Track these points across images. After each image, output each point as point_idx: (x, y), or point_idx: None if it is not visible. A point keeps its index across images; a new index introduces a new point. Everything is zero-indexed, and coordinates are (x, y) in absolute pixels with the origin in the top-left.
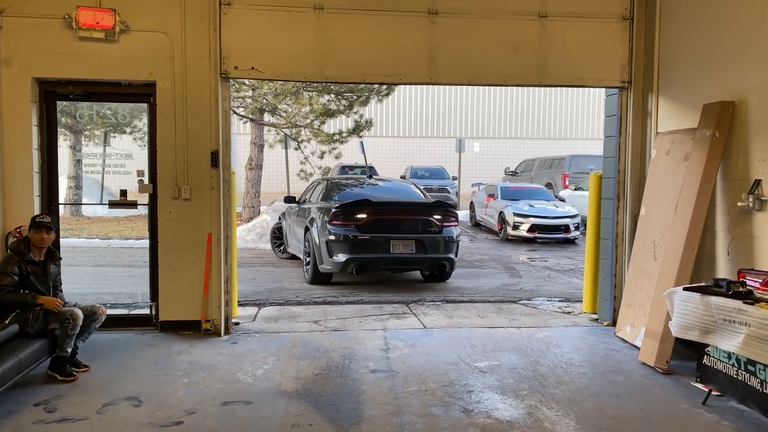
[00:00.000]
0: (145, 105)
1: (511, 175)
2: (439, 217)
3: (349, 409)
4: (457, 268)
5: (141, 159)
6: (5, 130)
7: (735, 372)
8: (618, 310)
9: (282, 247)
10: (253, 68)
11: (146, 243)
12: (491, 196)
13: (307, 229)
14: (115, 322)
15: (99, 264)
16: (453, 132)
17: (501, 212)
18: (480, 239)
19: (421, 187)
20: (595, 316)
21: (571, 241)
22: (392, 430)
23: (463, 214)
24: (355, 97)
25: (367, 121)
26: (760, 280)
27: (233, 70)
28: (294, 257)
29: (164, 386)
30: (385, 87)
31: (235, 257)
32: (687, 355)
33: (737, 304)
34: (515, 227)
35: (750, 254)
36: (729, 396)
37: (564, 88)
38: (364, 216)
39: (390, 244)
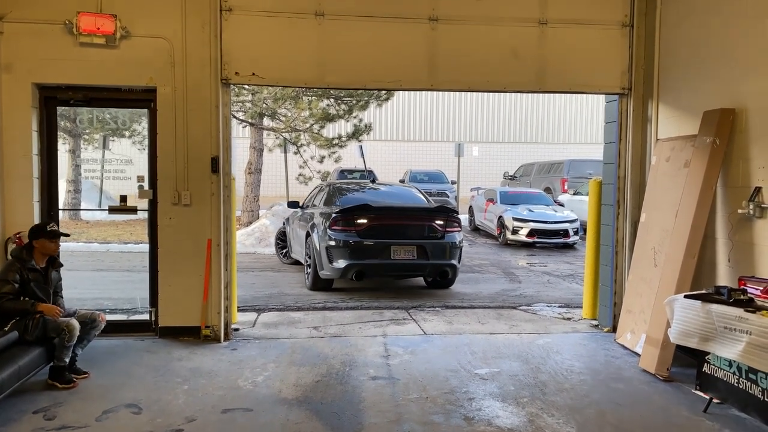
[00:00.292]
0: (145, 111)
1: (510, 179)
2: (441, 222)
3: (350, 416)
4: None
5: (141, 164)
6: (5, 136)
7: (736, 380)
8: (618, 316)
9: (286, 253)
10: (253, 74)
11: (145, 247)
12: (490, 200)
13: (308, 235)
14: (115, 328)
15: (98, 268)
16: (452, 136)
17: (500, 217)
18: (479, 244)
19: (425, 192)
20: (595, 323)
21: (570, 246)
22: None
23: (462, 218)
24: (354, 102)
25: (366, 126)
26: (761, 288)
27: (234, 76)
28: (297, 262)
29: (164, 393)
30: (384, 92)
31: (234, 263)
32: (687, 362)
33: (738, 312)
34: (514, 232)
35: (750, 261)
36: (730, 404)
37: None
38: (365, 221)
39: (391, 250)
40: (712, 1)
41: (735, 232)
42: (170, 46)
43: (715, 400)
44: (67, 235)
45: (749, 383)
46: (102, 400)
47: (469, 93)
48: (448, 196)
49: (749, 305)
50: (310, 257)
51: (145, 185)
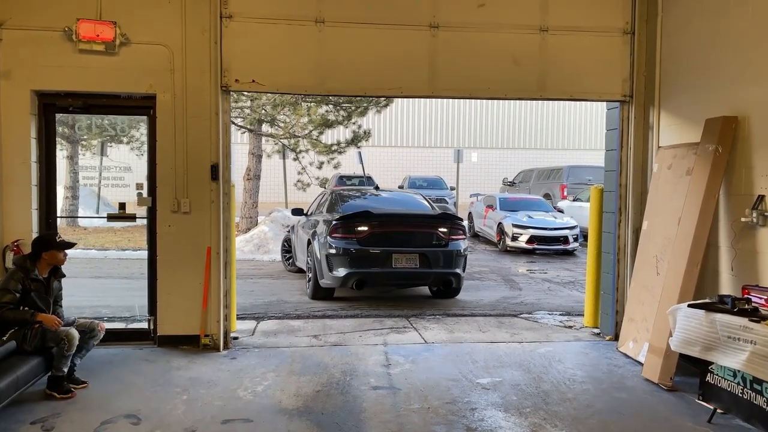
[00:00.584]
0: (144, 117)
1: (509, 185)
2: (444, 229)
3: (351, 427)
4: None
5: (140, 172)
6: (4, 143)
7: (740, 390)
8: (620, 324)
9: (291, 260)
10: (253, 81)
11: (143, 254)
12: (490, 206)
13: (309, 242)
14: (113, 337)
15: (96, 276)
16: (450, 142)
17: (500, 223)
18: (479, 250)
19: (430, 200)
20: (596, 331)
21: (570, 253)
22: None
23: None
24: (353, 108)
25: (365, 132)
26: (766, 297)
27: (234, 83)
28: (301, 270)
29: (163, 403)
30: (383, 98)
31: (234, 271)
32: (690, 371)
33: (743, 321)
34: (514, 238)
35: (754, 270)
36: (734, 414)
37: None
38: (365, 228)
39: (392, 258)
40: (713, 8)
41: (738, 241)
42: (170, 53)
43: (719, 411)
44: (75, 244)
45: (754, 393)
46: (100, 410)
47: (468, 100)
48: (447, 203)
49: (754, 315)
50: (311, 265)
51: (144, 192)
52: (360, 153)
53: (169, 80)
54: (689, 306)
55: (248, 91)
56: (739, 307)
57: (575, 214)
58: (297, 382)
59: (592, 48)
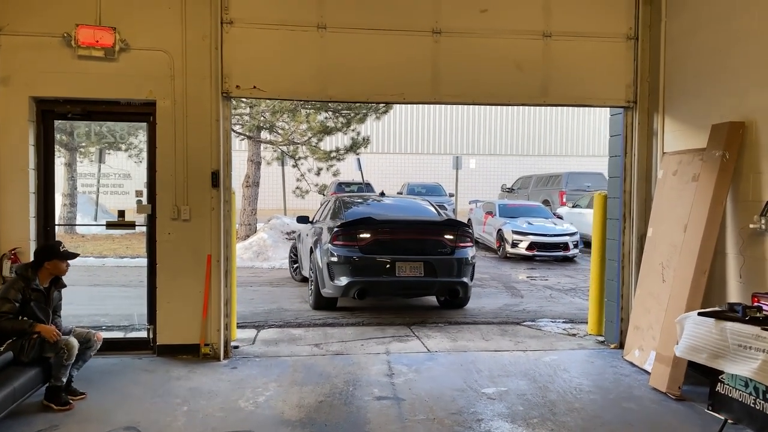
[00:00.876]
0: (144, 124)
1: (508, 191)
2: (450, 236)
3: None
4: None
5: (139, 179)
6: (1, 150)
7: (753, 401)
8: (625, 332)
9: (297, 269)
10: (255, 87)
11: (142, 261)
12: (489, 213)
13: (311, 251)
14: (112, 346)
15: (94, 283)
16: (449, 149)
17: (499, 230)
18: (478, 257)
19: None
20: (601, 339)
21: (570, 259)
22: None
23: None
24: (352, 115)
25: (364, 139)
26: None
27: (235, 89)
28: (306, 280)
29: (163, 415)
30: (383, 105)
31: (234, 279)
32: (698, 380)
33: (755, 330)
34: (514, 245)
35: (763, 277)
36: (745, 425)
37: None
38: (368, 235)
39: (396, 267)
40: (719, 14)
41: (746, 248)
42: (170, 59)
43: (729, 421)
44: (79, 255)
45: (766, 404)
46: (99, 422)
47: (470, 106)
48: (446, 209)
49: (766, 323)
50: (313, 274)
51: (144, 200)
52: (359, 159)
53: (169, 86)
54: (699, 314)
55: (249, 98)
56: (750, 315)
57: (575, 220)
58: (299, 392)
59: (596, 54)
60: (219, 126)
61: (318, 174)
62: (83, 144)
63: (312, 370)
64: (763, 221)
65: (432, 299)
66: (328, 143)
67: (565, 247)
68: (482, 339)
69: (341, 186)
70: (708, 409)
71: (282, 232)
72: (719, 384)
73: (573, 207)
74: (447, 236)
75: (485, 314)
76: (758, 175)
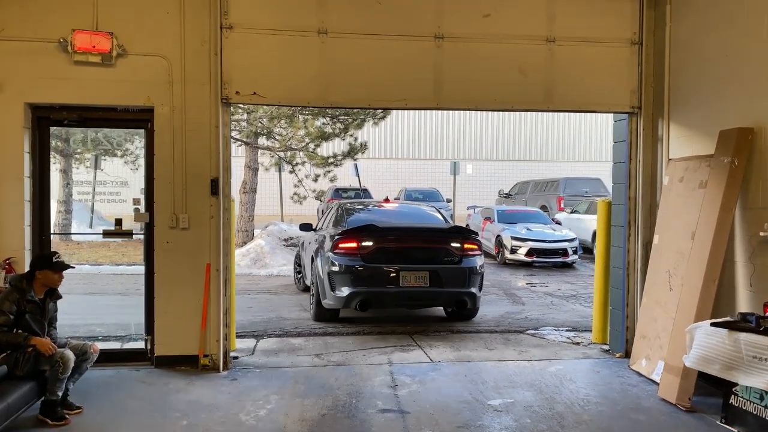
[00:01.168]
0: (142, 131)
1: (506, 197)
2: (457, 245)
3: None
4: None
5: (136, 186)
6: None
7: None
8: (631, 341)
9: (301, 278)
10: (255, 93)
11: (138, 269)
12: (488, 219)
13: (313, 259)
14: (108, 357)
15: (90, 292)
16: (446, 154)
17: (498, 236)
18: None
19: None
20: (606, 347)
21: (569, 266)
22: None
23: None
24: (350, 120)
25: (362, 144)
26: None
27: (234, 95)
28: (308, 288)
29: (162, 429)
30: (380, 111)
31: (234, 288)
32: (708, 390)
33: None
34: (513, 251)
35: None
36: None
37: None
38: (370, 243)
39: (400, 277)
40: (725, 18)
41: (756, 256)
42: (168, 65)
43: None
44: (72, 267)
45: None
46: None
47: (472, 111)
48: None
49: None
50: (314, 284)
51: (141, 208)
52: (356, 165)
53: (167, 92)
54: (712, 324)
55: (249, 104)
56: (764, 326)
57: (573, 226)
58: (301, 405)
59: (600, 59)
60: (218, 133)
61: (315, 180)
62: (79, 150)
63: (313, 382)
64: None
65: (435, 308)
66: (326, 149)
67: (564, 253)
68: (486, 348)
69: (338, 192)
70: (721, 422)
71: (280, 239)
72: (733, 396)
73: (571, 212)
74: (454, 244)
75: (487, 322)
76: (767, 182)
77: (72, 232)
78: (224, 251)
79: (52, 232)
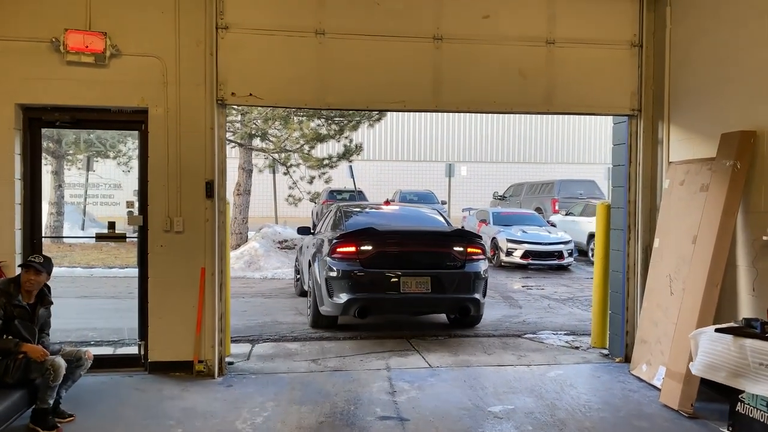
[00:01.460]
0: (135, 132)
1: (500, 199)
2: (460, 248)
3: None
4: None
5: (130, 189)
6: None
7: None
8: (631, 345)
9: (300, 282)
10: (251, 95)
11: (131, 271)
12: (483, 221)
13: (310, 264)
14: (101, 363)
15: (82, 295)
16: (440, 156)
17: (494, 238)
18: None
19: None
20: (605, 352)
21: (564, 268)
22: None
23: None
24: (346, 122)
25: (357, 146)
26: None
27: (230, 96)
28: (305, 293)
29: None
30: (376, 112)
31: (229, 293)
32: (710, 396)
33: None
34: (509, 253)
35: None
36: None
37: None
38: (369, 248)
39: (400, 282)
40: (726, 20)
41: (759, 260)
42: (163, 66)
43: None
44: (41, 270)
45: None
46: None
47: (471, 114)
48: None
49: None
50: (312, 289)
51: (135, 211)
52: (351, 167)
53: (162, 93)
54: (717, 330)
55: (245, 105)
56: None
57: (568, 228)
58: (298, 412)
59: (600, 61)
60: (213, 134)
61: (311, 182)
62: (71, 152)
63: (310, 388)
64: None
65: (436, 314)
66: (321, 150)
67: (559, 255)
68: (484, 353)
69: (333, 194)
70: (728, 430)
71: (274, 241)
72: (739, 403)
73: (566, 215)
74: (457, 248)
75: (485, 326)
76: None
77: (64, 235)
78: (219, 255)
79: (43, 235)
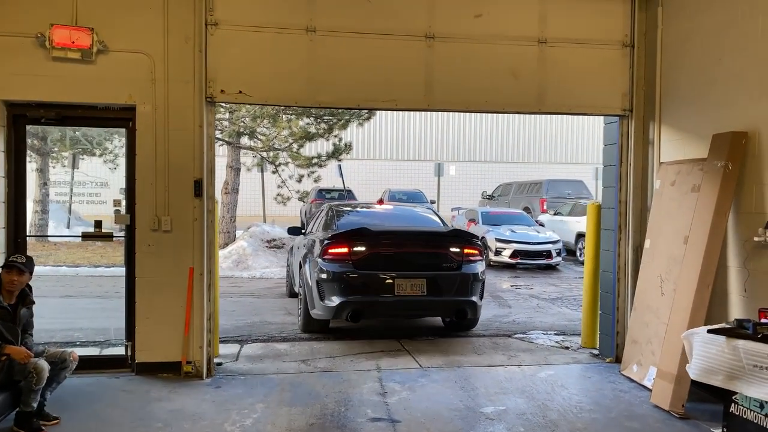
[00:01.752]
0: (123, 130)
1: (489, 199)
2: (456, 249)
3: None
4: None
5: (117, 187)
6: None
7: None
8: (621, 346)
9: (290, 283)
10: (240, 92)
11: (117, 270)
12: (472, 220)
13: (301, 265)
14: (87, 364)
15: (67, 294)
16: (429, 155)
17: (483, 237)
18: None
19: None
20: (595, 352)
21: (552, 267)
22: None
23: None
24: (335, 121)
25: (346, 145)
26: None
27: (219, 93)
28: (296, 295)
29: None
30: (366, 111)
31: (217, 293)
32: (700, 396)
33: None
34: (497, 253)
35: (767, 292)
36: None
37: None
38: (362, 249)
39: (394, 285)
40: (718, 20)
41: (750, 261)
42: (151, 62)
43: None
44: (24, 270)
45: None
46: None
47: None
48: None
49: None
50: (302, 292)
51: (122, 209)
52: (340, 166)
53: (150, 91)
54: (709, 331)
55: (235, 103)
56: (762, 333)
57: (556, 227)
58: (288, 414)
59: (592, 61)
60: (202, 132)
61: (299, 181)
62: (56, 149)
63: (300, 389)
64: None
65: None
66: (310, 149)
67: (548, 255)
68: (474, 353)
69: (322, 193)
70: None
71: (262, 240)
72: (733, 404)
73: (554, 214)
74: (453, 249)
75: (475, 326)
76: (762, 187)
77: (49, 234)
78: (208, 254)
79: (27, 233)
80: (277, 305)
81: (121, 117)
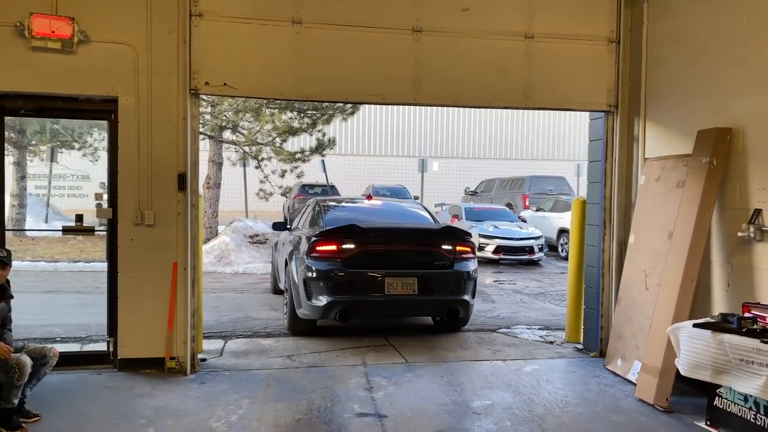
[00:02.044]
0: (105, 122)
1: (471, 194)
2: (448, 247)
3: None
4: None
5: (98, 180)
6: None
7: (753, 416)
8: (605, 340)
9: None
10: (225, 84)
11: (98, 266)
12: (455, 216)
13: (287, 263)
14: (68, 360)
15: (46, 290)
16: (412, 151)
17: None
18: None
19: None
20: (579, 346)
21: (535, 263)
22: None
23: None
24: (318, 115)
25: (330, 140)
26: None
27: (204, 86)
28: (281, 292)
29: None
30: (350, 106)
31: (201, 288)
32: (684, 390)
33: (754, 343)
34: (480, 248)
35: (750, 286)
36: None
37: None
38: (351, 246)
39: (384, 283)
40: (703, 17)
41: (733, 256)
42: (134, 53)
43: None
44: (7, 264)
45: None
46: None
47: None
48: None
49: (765, 335)
50: (288, 290)
51: (104, 203)
52: (323, 161)
53: (132, 82)
54: (694, 326)
55: (220, 95)
56: (746, 327)
57: (538, 224)
58: (274, 409)
59: (578, 56)
60: (186, 125)
61: (282, 176)
62: (34, 142)
63: (286, 385)
64: (751, 229)
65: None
66: (294, 144)
67: (530, 250)
68: (460, 348)
69: (305, 188)
70: (706, 425)
71: (245, 236)
72: (717, 398)
73: (537, 210)
74: (445, 246)
75: (465, 325)
76: (745, 183)
77: (27, 228)
78: (192, 249)
79: (5, 228)
80: (261, 301)
81: (103, 109)
